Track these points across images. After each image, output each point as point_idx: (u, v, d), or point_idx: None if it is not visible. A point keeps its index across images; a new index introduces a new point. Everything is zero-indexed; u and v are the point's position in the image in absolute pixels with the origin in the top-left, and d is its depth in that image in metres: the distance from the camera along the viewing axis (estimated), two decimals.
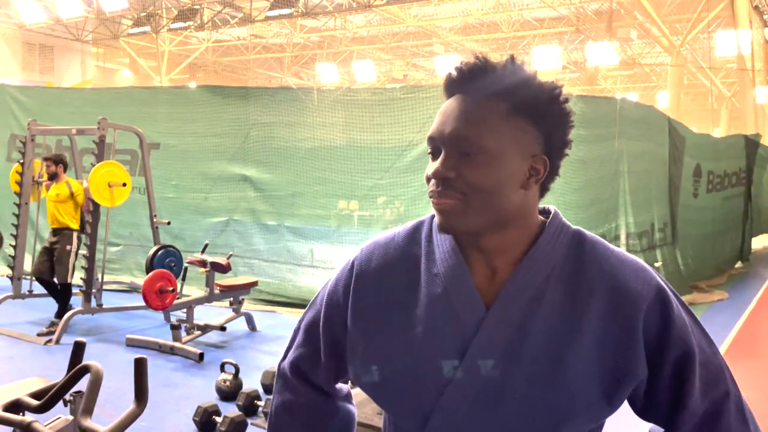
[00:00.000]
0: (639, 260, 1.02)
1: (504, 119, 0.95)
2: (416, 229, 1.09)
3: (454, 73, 0.99)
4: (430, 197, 0.98)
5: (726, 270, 10.79)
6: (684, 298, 8.78)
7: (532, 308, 0.96)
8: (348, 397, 1.24)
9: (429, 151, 1.00)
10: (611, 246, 1.02)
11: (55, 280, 6.06)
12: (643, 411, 1.03)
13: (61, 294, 6.08)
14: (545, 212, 1.05)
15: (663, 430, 1.07)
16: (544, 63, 20.51)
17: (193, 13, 18.56)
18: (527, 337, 0.95)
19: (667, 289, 1.00)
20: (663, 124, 8.60)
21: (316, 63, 27.70)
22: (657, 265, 8.13)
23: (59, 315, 5.95)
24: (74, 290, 6.15)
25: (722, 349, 5.86)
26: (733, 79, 22.17)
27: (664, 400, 0.99)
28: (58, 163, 6.14)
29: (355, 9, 18.11)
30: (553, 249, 0.99)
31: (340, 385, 1.22)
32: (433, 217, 1.08)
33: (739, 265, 11.69)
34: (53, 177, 6.13)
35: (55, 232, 6.11)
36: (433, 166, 0.97)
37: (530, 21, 20.61)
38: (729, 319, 7.24)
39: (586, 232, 1.03)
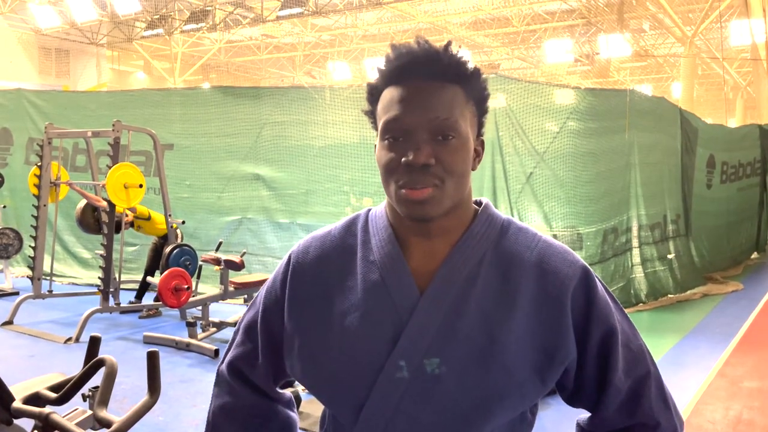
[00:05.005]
0: (564, 245, 1.06)
1: (465, 103, 0.99)
2: (352, 222, 1.11)
3: (402, 59, 0.97)
4: (402, 187, 0.96)
5: (742, 261, 10.72)
6: (698, 290, 8.69)
7: (466, 289, 0.99)
8: (290, 404, 1.21)
9: (387, 137, 0.98)
10: (538, 232, 1.07)
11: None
12: (572, 396, 1.07)
13: None
14: (478, 203, 1.09)
15: (588, 420, 1.11)
16: (556, 56, 20.43)
17: (205, 14, 18.69)
18: (461, 317, 0.97)
19: (591, 270, 1.04)
20: (674, 116, 8.55)
21: (327, 61, 27.77)
22: (670, 257, 8.09)
23: None
24: (93, 289, 6.28)
25: (735, 340, 5.85)
26: (747, 68, 21.89)
27: (592, 377, 1.03)
28: None
29: (365, 6, 18.13)
30: (485, 234, 1.03)
31: (282, 391, 1.20)
32: (368, 211, 1.10)
33: (755, 255, 11.59)
34: None
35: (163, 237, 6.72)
36: (402, 152, 0.96)
37: (541, 14, 20.51)
38: (742, 310, 7.20)
39: (516, 220, 1.08)
